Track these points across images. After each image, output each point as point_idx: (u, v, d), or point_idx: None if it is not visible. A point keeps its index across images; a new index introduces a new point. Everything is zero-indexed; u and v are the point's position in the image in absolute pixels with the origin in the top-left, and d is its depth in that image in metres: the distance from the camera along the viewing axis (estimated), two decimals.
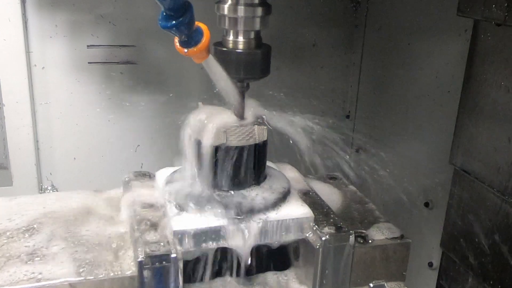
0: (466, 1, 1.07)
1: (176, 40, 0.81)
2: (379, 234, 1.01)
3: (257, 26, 0.92)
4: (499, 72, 1.07)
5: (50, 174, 1.68)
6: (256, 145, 0.95)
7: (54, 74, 1.60)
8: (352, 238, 0.94)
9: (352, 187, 1.21)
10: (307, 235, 0.94)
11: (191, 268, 0.93)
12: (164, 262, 0.84)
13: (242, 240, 0.91)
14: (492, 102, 1.10)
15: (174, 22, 0.75)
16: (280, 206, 0.96)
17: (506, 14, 0.97)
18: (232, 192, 0.95)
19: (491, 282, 1.13)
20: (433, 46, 1.46)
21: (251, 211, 0.92)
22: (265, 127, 0.95)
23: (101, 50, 1.60)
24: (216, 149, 0.92)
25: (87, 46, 1.59)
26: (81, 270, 0.84)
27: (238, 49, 0.92)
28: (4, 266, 0.85)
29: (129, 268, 0.86)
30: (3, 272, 0.83)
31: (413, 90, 1.57)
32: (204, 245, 0.90)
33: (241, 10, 0.89)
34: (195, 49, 0.81)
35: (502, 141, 1.08)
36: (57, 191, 1.69)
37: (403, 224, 1.09)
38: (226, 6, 0.90)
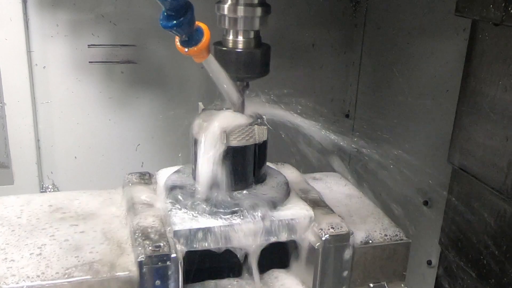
0: (464, 1, 1.07)
1: (177, 39, 0.82)
2: (379, 233, 1.01)
3: (257, 26, 0.92)
4: (497, 71, 1.08)
5: (51, 173, 1.69)
6: (256, 145, 0.95)
7: (55, 73, 1.60)
8: (352, 238, 0.95)
9: (351, 186, 1.21)
10: (307, 235, 0.95)
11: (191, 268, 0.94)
12: (164, 262, 0.84)
13: (242, 240, 0.92)
14: (490, 101, 1.10)
15: (175, 22, 0.76)
16: (280, 206, 0.96)
17: (504, 14, 0.97)
18: (232, 192, 0.95)
19: (490, 280, 1.13)
20: (432, 45, 1.47)
21: (251, 211, 0.92)
22: (265, 127, 0.96)
23: (102, 49, 1.61)
24: None
25: (88, 45, 1.59)
26: (80, 269, 0.84)
27: (238, 48, 0.93)
28: None
29: (129, 268, 0.86)
30: None
31: (412, 89, 1.57)
32: (203, 245, 0.90)
33: (240, 10, 0.90)
34: (195, 49, 0.82)
35: (500, 139, 1.08)
36: (58, 190, 1.70)
37: (402, 223, 1.10)
38: (226, 6, 0.91)
